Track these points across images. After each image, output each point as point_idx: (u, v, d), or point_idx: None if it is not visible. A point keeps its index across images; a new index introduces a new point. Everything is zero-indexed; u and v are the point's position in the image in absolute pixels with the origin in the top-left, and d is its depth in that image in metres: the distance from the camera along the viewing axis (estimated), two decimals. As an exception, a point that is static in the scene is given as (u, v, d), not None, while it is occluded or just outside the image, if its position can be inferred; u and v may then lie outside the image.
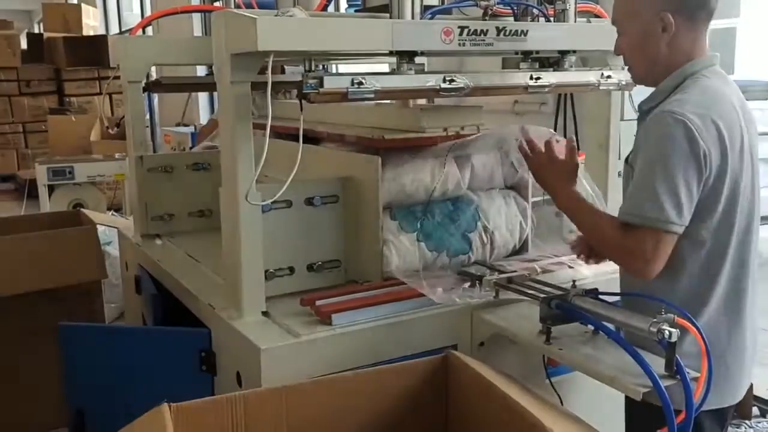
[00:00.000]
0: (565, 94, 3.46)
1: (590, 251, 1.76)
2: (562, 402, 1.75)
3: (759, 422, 2.90)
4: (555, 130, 3.56)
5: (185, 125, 7.39)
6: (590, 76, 2.00)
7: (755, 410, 2.96)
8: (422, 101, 2.82)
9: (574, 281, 1.65)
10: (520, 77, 1.87)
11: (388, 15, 1.73)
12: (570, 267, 2.00)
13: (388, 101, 2.25)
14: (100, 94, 8.05)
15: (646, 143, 1.47)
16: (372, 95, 1.61)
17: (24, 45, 8.78)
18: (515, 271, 1.87)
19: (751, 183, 1.54)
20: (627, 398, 1.63)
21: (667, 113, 1.44)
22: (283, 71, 2.88)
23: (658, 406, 1.32)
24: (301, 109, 1.62)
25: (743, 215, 1.52)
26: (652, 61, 1.55)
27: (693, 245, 1.49)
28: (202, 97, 8.00)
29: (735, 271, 1.53)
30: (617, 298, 1.64)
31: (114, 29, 11.59)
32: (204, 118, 7.61)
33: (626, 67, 1.65)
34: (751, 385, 2.84)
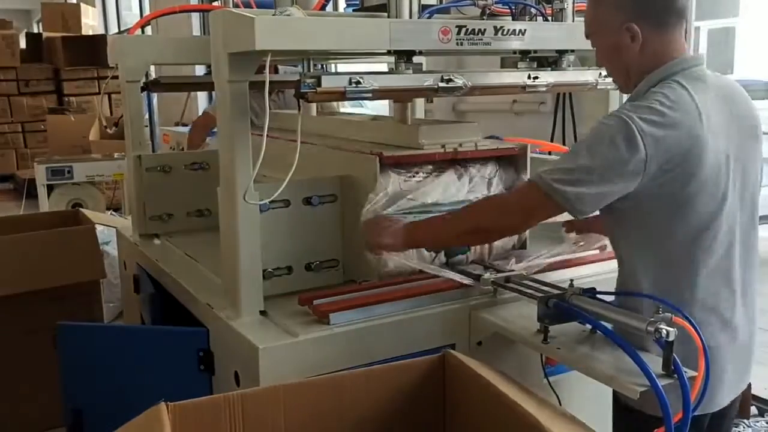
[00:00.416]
0: (564, 94, 3.46)
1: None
2: (560, 401, 1.75)
3: (757, 421, 2.91)
4: (554, 129, 3.57)
5: (184, 125, 7.38)
6: (588, 76, 2.00)
7: (753, 409, 2.96)
8: (420, 115, 2.83)
9: (571, 280, 1.64)
10: (518, 77, 1.87)
11: (386, 14, 1.73)
12: (568, 266, 2.00)
13: (387, 116, 2.25)
14: (99, 93, 8.05)
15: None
16: (369, 94, 1.61)
17: (23, 44, 8.78)
18: (513, 271, 1.87)
19: (740, 185, 1.53)
20: (614, 410, 1.63)
21: (617, 112, 1.45)
22: (276, 71, 2.88)
23: (645, 419, 1.32)
24: (299, 109, 1.62)
25: (728, 220, 1.51)
26: (627, 69, 1.56)
27: (659, 250, 1.50)
28: (201, 96, 7.99)
29: (716, 280, 1.52)
30: (615, 297, 1.64)
31: (113, 29, 11.57)
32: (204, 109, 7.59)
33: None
34: (749, 385, 2.85)
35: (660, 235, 1.49)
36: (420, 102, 2.94)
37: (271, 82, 1.51)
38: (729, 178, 1.49)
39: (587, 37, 1.61)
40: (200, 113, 7.99)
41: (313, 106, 2.68)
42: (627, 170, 1.41)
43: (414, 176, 1.93)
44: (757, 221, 1.61)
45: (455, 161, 1.99)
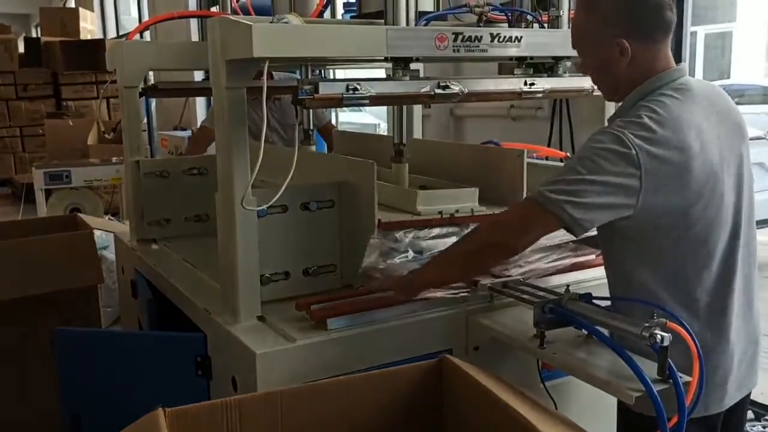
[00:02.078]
0: (561, 99, 3.48)
1: None
2: (556, 406, 1.76)
3: (754, 426, 2.91)
4: (551, 134, 3.58)
5: (182, 129, 7.39)
6: (584, 82, 2.01)
7: (750, 413, 2.97)
8: (418, 121, 2.84)
9: (568, 286, 1.65)
10: (515, 83, 1.89)
11: (383, 21, 1.74)
12: (564, 272, 2.00)
13: (385, 183, 2.29)
14: (98, 98, 8.05)
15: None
16: (366, 101, 1.62)
17: (21, 49, 8.78)
18: (510, 276, 1.88)
19: (736, 186, 1.54)
20: (618, 408, 1.64)
21: (609, 128, 1.47)
22: (270, 77, 2.90)
23: (648, 417, 1.32)
24: (296, 114, 1.63)
25: (725, 229, 1.53)
26: (615, 81, 1.58)
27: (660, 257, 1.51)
28: (200, 101, 8.01)
29: (717, 285, 1.53)
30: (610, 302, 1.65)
31: (111, 33, 11.59)
32: (201, 121, 7.60)
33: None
34: (746, 389, 2.86)
35: (662, 249, 1.51)
36: (418, 108, 2.96)
37: (268, 88, 1.52)
38: (725, 182, 1.51)
39: (574, 47, 1.63)
40: (198, 118, 8.03)
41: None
42: (623, 184, 1.42)
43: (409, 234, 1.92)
44: (754, 221, 1.62)
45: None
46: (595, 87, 2.02)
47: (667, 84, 1.53)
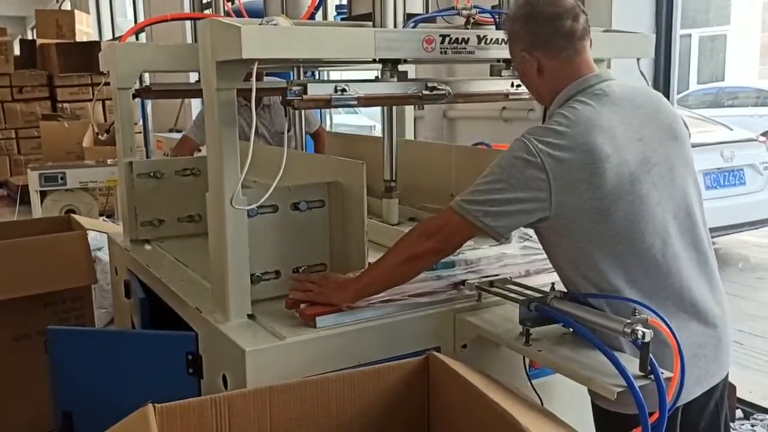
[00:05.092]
0: (552, 101, 3.50)
1: None
2: (542, 403, 1.77)
3: (742, 424, 2.94)
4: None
5: (178, 131, 7.40)
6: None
7: (739, 413, 3.00)
8: (410, 122, 2.85)
9: (553, 284, 1.68)
10: (502, 84, 1.91)
11: (371, 23, 1.77)
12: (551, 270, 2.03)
13: (375, 220, 2.33)
14: (93, 100, 8.06)
15: None
16: (355, 102, 1.64)
17: (17, 51, 8.80)
18: (497, 275, 1.90)
19: (666, 186, 1.57)
20: (594, 409, 1.66)
21: (521, 136, 1.53)
22: (261, 80, 2.92)
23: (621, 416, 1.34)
24: (286, 114, 1.65)
25: (655, 228, 1.54)
26: (537, 92, 1.69)
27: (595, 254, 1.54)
28: (195, 103, 8.02)
29: (653, 284, 1.55)
30: (596, 300, 1.67)
31: (107, 35, 11.61)
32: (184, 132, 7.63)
33: None
34: (735, 388, 2.89)
35: (587, 248, 1.54)
36: (409, 109, 2.98)
37: (257, 90, 1.54)
38: (648, 182, 1.53)
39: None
40: (192, 119, 8.03)
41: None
42: (533, 189, 1.49)
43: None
44: (699, 218, 1.63)
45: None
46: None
47: (584, 90, 1.59)
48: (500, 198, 1.51)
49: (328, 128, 5.36)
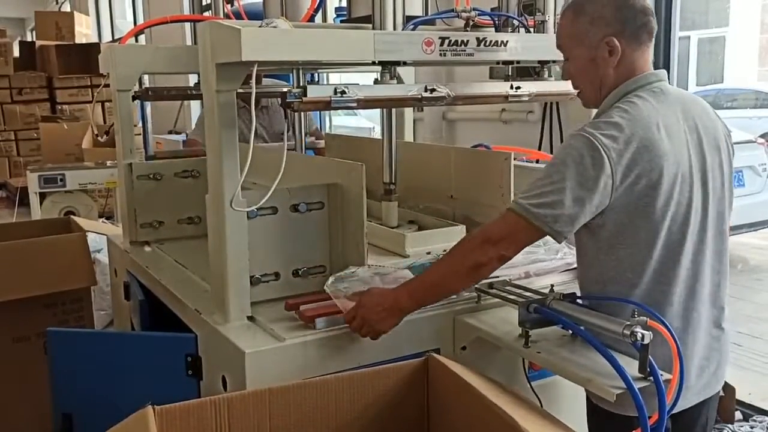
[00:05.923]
0: (551, 103, 3.51)
1: None
2: (542, 405, 1.78)
3: (741, 426, 2.94)
4: (541, 137, 3.61)
5: (177, 133, 7.41)
6: (569, 86, 2.03)
7: (738, 414, 2.99)
8: (409, 124, 2.85)
9: (552, 286, 1.68)
10: (501, 87, 1.92)
11: (371, 26, 1.77)
12: (550, 272, 2.03)
13: (375, 223, 2.32)
14: (92, 102, 8.06)
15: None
16: (354, 104, 1.65)
17: (16, 53, 8.79)
18: (497, 277, 1.90)
19: (703, 195, 1.57)
20: (588, 410, 1.66)
21: (581, 130, 1.50)
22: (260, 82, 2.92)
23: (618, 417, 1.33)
24: (286, 116, 1.65)
25: (695, 227, 1.55)
26: (600, 83, 1.61)
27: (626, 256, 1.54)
28: (195, 105, 8.02)
29: (685, 289, 1.57)
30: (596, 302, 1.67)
31: (107, 37, 11.62)
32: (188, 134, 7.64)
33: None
34: (734, 390, 2.89)
35: (630, 245, 1.54)
36: (409, 111, 2.98)
37: (257, 92, 1.54)
38: (693, 187, 1.54)
39: (559, 48, 1.66)
40: (194, 122, 8.04)
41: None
42: (598, 186, 1.46)
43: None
44: (726, 228, 1.65)
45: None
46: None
47: (643, 86, 1.57)
48: (568, 200, 1.46)
49: (327, 130, 5.38)
